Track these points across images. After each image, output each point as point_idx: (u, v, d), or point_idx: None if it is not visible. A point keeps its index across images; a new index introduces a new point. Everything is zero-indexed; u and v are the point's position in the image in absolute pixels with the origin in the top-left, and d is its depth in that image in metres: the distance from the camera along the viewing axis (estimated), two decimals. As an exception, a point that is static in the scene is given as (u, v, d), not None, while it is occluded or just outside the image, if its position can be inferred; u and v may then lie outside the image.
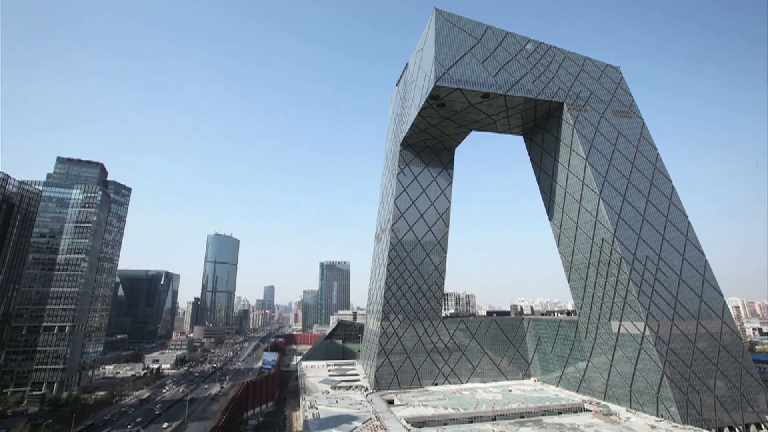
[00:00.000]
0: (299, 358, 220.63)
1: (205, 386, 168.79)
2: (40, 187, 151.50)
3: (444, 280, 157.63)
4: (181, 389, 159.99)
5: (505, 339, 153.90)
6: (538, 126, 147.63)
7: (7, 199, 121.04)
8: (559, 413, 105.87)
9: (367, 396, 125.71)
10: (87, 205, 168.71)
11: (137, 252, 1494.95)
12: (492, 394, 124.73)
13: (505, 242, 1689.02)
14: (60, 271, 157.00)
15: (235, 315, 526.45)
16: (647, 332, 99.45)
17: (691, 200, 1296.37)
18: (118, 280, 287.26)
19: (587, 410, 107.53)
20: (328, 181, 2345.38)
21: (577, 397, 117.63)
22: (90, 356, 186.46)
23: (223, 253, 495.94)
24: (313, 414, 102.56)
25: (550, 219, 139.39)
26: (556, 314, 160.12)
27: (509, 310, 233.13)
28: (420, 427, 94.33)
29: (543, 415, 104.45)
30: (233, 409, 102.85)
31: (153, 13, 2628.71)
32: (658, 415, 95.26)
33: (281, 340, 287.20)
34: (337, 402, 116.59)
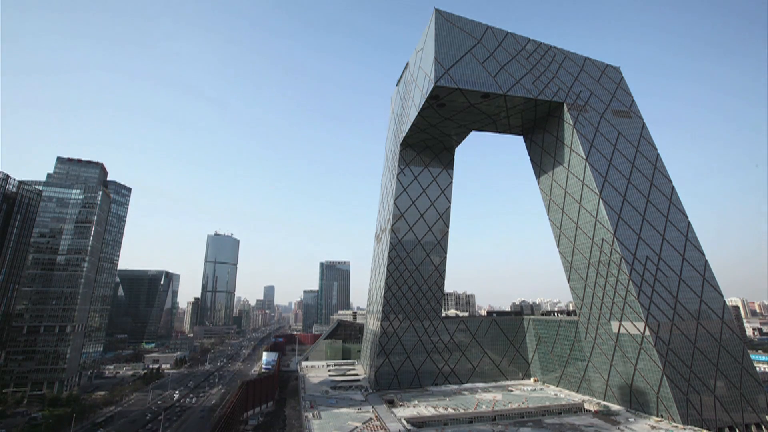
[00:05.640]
0: (299, 358, 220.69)
1: (205, 387, 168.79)
2: (40, 187, 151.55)
3: (444, 280, 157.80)
4: (180, 389, 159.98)
5: (505, 339, 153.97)
6: (538, 126, 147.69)
7: (7, 199, 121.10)
8: (559, 413, 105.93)
9: (367, 396, 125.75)
10: (87, 205, 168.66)
11: (137, 252, 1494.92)
12: (492, 394, 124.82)
13: (505, 242, 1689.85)
14: (60, 271, 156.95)
15: (235, 315, 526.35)
16: (647, 332, 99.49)
17: (691, 200, 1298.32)
18: (118, 280, 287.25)
19: (587, 410, 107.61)
20: (328, 180, 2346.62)
21: (577, 397, 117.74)
22: (90, 356, 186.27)
23: (223, 253, 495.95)
24: (313, 414, 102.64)
25: (550, 219, 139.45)
26: (556, 314, 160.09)
27: (509, 309, 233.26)
28: (420, 427, 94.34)
29: (543, 415, 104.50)
30: (233, 409, 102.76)
31: (154, 8, 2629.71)
32: (658, 415, 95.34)
33: (281, 340, 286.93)
34: (337, 402, 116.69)
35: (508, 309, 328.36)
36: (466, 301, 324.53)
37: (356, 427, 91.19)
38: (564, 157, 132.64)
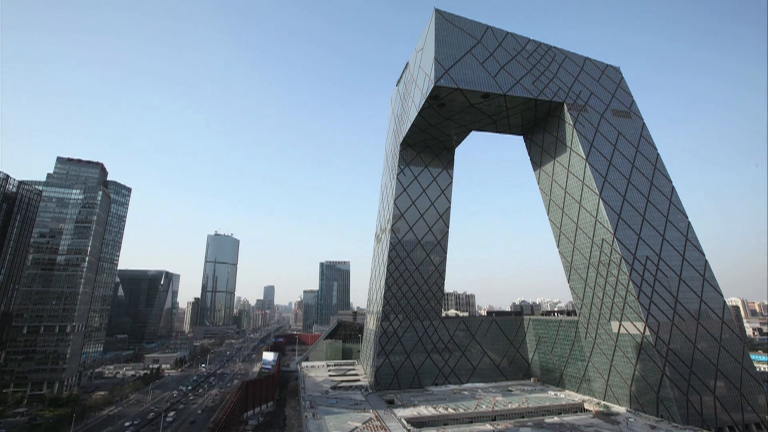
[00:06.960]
0: (299, 358, 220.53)
1: (205, 387, 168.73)
2: (40, 187, 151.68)
3: (444, 280, 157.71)
4: (180, 389, 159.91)
5: (505, 339, 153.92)
6: (538, 126, 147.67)
7: (7, 199, 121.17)
8: (559, 413, 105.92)
9: (367, 396, 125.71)
10: (87, 205, 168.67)
11: (137, 252, 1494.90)
12: (492, 394, 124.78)
13: (505, 242, 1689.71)
14: (60, 271, 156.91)
15: (235, 315, 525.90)
16: (647, 332, 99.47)
17: (692, 200, 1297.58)
18: (118, 280, 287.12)
19: (587, 410, 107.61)
20: (328, 180, 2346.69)
21: (577, 397, 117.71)
22: (90, 356, 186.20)
23: (223, 253, 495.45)
24: (313, 414, 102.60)
25: (550, 219, 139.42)
26: (556, 314, 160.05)
27: (509, 309, 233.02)
28: (420, 427, 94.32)
29: (543, 415, 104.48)
30: (233, 409, 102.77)
31: (153, 6, 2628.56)
32: (658, 415, 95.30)
33: (281, 340, 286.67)
34: (337, 402, 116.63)
35: (508, 309, 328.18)
36: (466, 301, 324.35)
37: (356, 427, 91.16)
38: (564, 157, 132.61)
